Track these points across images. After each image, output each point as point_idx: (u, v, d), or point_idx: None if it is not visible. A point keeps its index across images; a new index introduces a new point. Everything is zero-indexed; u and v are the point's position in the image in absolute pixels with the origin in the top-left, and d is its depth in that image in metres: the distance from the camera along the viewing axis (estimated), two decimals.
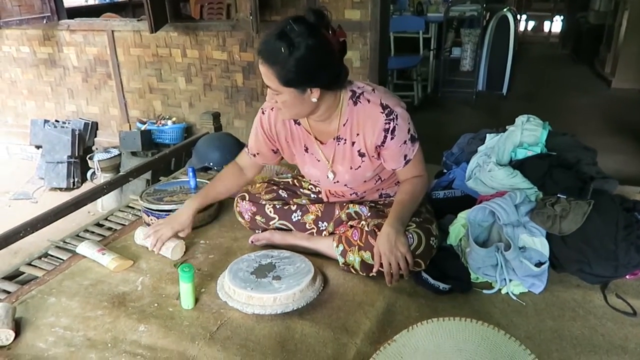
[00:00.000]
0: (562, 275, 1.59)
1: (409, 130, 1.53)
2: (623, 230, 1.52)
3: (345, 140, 1.57)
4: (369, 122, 1.51)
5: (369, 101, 1.51)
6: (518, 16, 7.42)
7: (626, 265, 1.52)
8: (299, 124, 1.63)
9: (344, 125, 1.55)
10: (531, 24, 10.68)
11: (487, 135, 2.04)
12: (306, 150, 1.65)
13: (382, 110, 1.49)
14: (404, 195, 1.60)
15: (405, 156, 1.56)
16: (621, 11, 5.80)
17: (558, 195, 1.63)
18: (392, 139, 1.51)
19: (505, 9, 5.42)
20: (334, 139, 1.58)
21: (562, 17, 9.51)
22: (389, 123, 1.49)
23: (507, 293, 1.51)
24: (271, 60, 1.35)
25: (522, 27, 9.71)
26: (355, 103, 1.52)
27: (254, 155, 1.75)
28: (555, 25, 9.85)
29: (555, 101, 5.37)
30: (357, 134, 1.55)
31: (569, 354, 1.28)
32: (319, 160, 1.65)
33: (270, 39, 1.35)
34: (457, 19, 5.67)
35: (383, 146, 1.53)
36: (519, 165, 1.84)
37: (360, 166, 1.60)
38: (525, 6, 10.34)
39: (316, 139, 1.62)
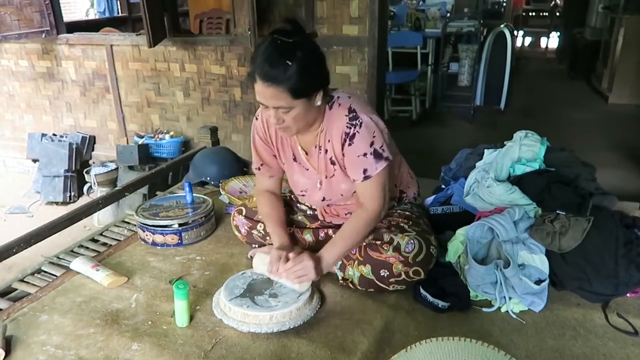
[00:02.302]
0: (563, 293, 1.57)
1: (372, 143, 1.46)
2: (623, 247, 1.51)
3: (321, 147, 1.56)
4: (334, 126, 1.49)
5: (339, 105, 1.49)
6: (515, 32, 7.49)
7: (627, 283, 1.50)
8: None
9: (321, 132, 1.53)
10: (528, 39, 10.78)
11: (485, 150, 2.04)
12: (294, 159, 1.65)
13: (347, 114, 1.46)
14: (343, 234, 1.54)
15: (365, 170, 1.48)
16: (617, 27, 5.84)
17: (557, 211, 1.61)
18: (349, 145, 1.47)
19: (502, 25, 5.46)
20: (315, 147, 1.57)
21: (558, 33, 9.59)
22: (350, 128, 1.45)
23: (507, 311, 1.49)
24: (279, 80, 1.33)
25: (519, 43, 9.79)
26: (330, 108, 1.51)
27: (259, 169, 1.70)
28: (551, 41, 9.93)
29: (553, 116, 5.38)
30: (329, 140, 1.53)
31: None
32: (307, 169, 1.64)
33: (268, 60, 1.33)
34: (454, 35, 5.71)
35: (342, 151, 1.50)
36: (517, 181, 1.82)
37: (333, 175, 1.58)
38: (522, 22, 10.44)
39: (302, 149, 1.61)
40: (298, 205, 1.86)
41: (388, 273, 1.51)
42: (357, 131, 1.45)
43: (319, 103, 1.45)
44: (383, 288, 1.55)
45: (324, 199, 1.67)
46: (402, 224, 1.61)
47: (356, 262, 1.56)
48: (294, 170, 1.67)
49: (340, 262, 1.60)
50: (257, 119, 1.64)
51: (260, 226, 1.80)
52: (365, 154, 1.46)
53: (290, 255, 1.50)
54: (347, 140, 1.46)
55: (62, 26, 4.50)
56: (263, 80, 1.35)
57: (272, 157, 1.69)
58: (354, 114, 1.46)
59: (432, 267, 1.57)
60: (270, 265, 1.51)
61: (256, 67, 1.35)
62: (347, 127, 1.46)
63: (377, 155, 1.47)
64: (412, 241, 1.52)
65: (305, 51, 1.36)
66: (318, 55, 1.42)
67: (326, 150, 1.55)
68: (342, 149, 1.49)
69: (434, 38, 5.45)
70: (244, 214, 1.82)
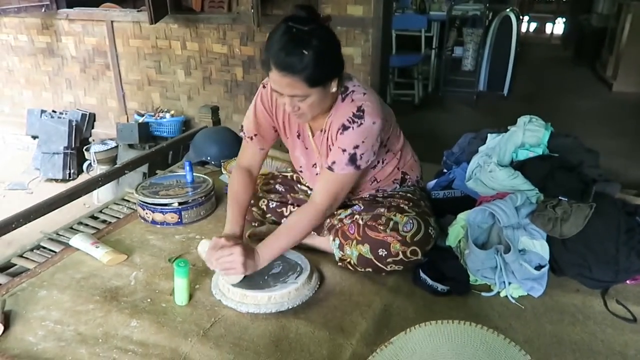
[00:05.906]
0: (562, 279, 1.57)
1: (356, 146, 1.43)
2: (624, 235, 1.50)
3: (327, 133, 1.54)
4: (339, 117, 1.47)
5: (352, 100, 1.46)
6: (520, 17, 7.39)
7: (627, 270, 1.50)
8: None
9: (329, 117, 1.52)
10: (533, 25, 10.66)
11: (489, 135, 2.02)
12: (298, 135, 1.64)
13: (355, 111, 1.44)
14: (287, 225, 1.52)
15: (333, 162, 1.46)
16: (624, 14, 5.76)
17: (559, 197, 1.60)
18: (340, 134, 1.45)
19: (508, 10, 5.38)
20: (321, 131, 1.56)
21: (564, 19, 9.49)
22: (350, 122, 1.43)
23: (506, 296, 1.49)
24: (295, 69, 1.30)
25: (524, 28, 9.68)
26: (343, 99, 1.49)
27: (251, 139, 1.66)
28: (557, 27, 9.83)
29: (556, 103, 5.34)
30: (331, 128, 1.52)
31: (568, 359, 1.26)
32: (307, 148, 1.64)
33: (283, 49, 1.30)
34: (459, 18, 5.64)
35: (335, 138, 1.48)
36: (520, 166, 1.81)
37: None
38: (527, 7, 10.32)
39: (310, 128, 1.60)
40: (299, 185, 1.86)
41: (386, 252, 1.51)
42: (351, 127, 1.43)
43: (334, 90, 1.43)
44: (381, 268, 1.55)
45: None
46: (402, 205, 1.61)
47: (354, 241, 1.56)
48: (296, 146, 1.67)
49: (338, 242, 1.60)
50: (264, 86, 1.60)
51: (263, 202, 1.81)
52: (344, 150, 1.45)
53: (224, 243, 1.44)
54: (341, 129, 1.45)
55: (62, 0, 4.43)
56: (279, 70, 1.32)
57: (270, 128, 1.66)
58: (361, 113, 1.43)
59: (431, 250, 1.57)
60: (208, 253, 1.47)
61: (271, 56, 1.32)
62: (347, 120, 1.44)
63: (352, 159, 1.45)
64: (410, 221, 1.52)
65: (321, 39, 1.33)
66: (334, 43, 1.39)
67: (327, 137, 1.55)
68: (336, 137, 1.48)
69: (438, 21, 5.38)
70: None
